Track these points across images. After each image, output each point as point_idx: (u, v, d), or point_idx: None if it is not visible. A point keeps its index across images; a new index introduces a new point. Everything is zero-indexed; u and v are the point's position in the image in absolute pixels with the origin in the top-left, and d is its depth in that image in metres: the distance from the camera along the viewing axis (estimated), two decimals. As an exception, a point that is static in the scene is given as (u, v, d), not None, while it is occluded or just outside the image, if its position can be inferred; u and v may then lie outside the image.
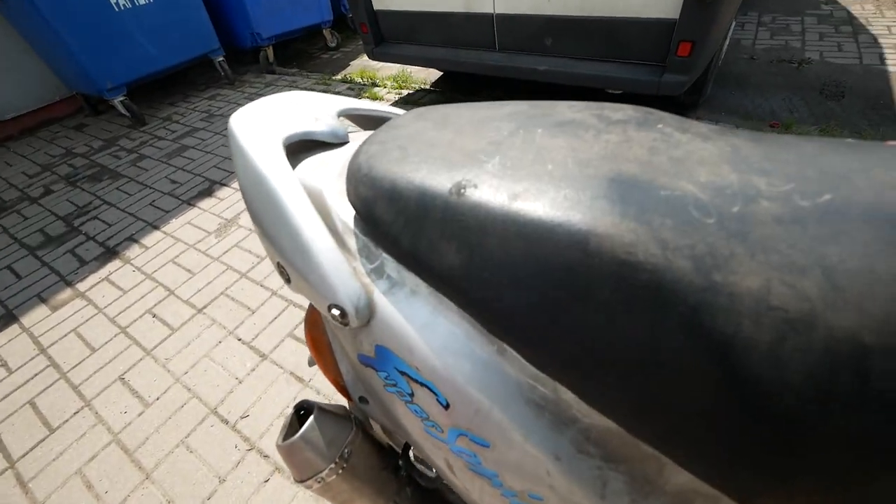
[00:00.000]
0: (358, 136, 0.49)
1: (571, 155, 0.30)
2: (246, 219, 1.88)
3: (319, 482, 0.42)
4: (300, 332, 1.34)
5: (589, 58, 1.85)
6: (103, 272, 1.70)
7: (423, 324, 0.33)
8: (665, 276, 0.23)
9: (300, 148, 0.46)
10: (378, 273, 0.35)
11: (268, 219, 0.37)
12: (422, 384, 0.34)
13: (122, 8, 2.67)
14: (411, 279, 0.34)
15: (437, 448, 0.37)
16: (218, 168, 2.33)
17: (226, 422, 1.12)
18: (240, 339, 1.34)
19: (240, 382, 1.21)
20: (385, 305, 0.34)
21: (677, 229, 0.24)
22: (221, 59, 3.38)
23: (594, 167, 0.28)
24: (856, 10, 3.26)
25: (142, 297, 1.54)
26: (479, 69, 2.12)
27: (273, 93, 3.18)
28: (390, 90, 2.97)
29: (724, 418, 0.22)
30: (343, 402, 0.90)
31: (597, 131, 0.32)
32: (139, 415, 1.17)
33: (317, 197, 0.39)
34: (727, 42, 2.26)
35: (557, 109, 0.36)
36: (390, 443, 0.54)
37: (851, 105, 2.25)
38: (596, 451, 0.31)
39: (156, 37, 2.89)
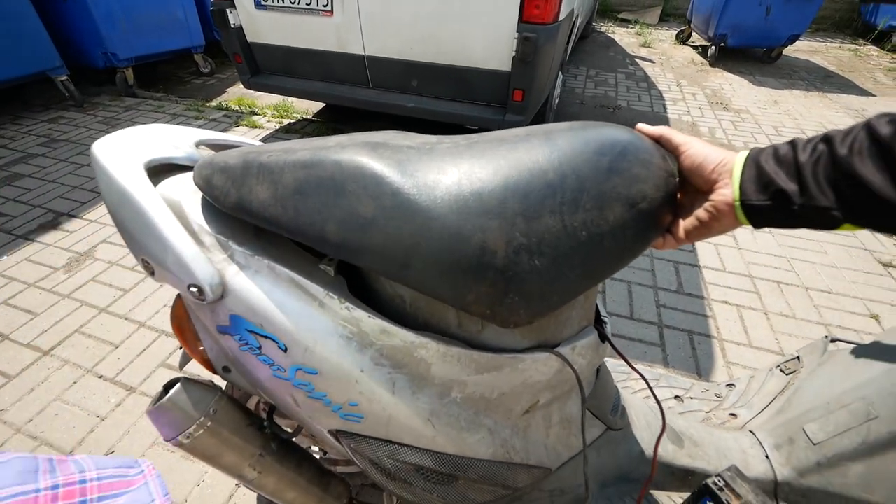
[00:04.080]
0: None
1: (346, 137, 0.48)
2: (104, 251, 1.73)
3: (188, 438, 0.51)
4: (173, 360, 1.30)
5: (448, 98, 2.17)
6: None
7: (264, 292, 0.47)
8: (379, 169, 0.41)
9: (163, 170, 0.56)
10: (229, 260, 0.48)
11: (132, 225, 0.47)
12: (266, 337, 0.48)
13: (-76, 15, 2.26)
14: (255, 262, 0.48)
15: (283, 387, 0.51)
16: (65, 198, 2.08)
17: (85, 461, 1.05)
18: (101, 377, 1.25)
19: (102, 420, 1.14)
20: (235, 283, 0.47)
21: (393, 151, 0.43)
22: (65, 78, 3.01)
23: (356, 139, 0.47)
24: (650, 71, 4.32)
25: (-38, 347, 1.33)
26: (355, 103, 2.32)
27: (134, 117, 2.96)
28: (270, 118, 2.99)
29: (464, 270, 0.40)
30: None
31: (369, 133, 0.51)
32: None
33: (176, 207, 0.50)
34: (558, 90, 2.83)
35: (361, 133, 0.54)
36: (255, 412, 0.65)
37: (646, 141, 2.98)
38: (387, 362, 0.48)
39: (-28, 50, 2.48)
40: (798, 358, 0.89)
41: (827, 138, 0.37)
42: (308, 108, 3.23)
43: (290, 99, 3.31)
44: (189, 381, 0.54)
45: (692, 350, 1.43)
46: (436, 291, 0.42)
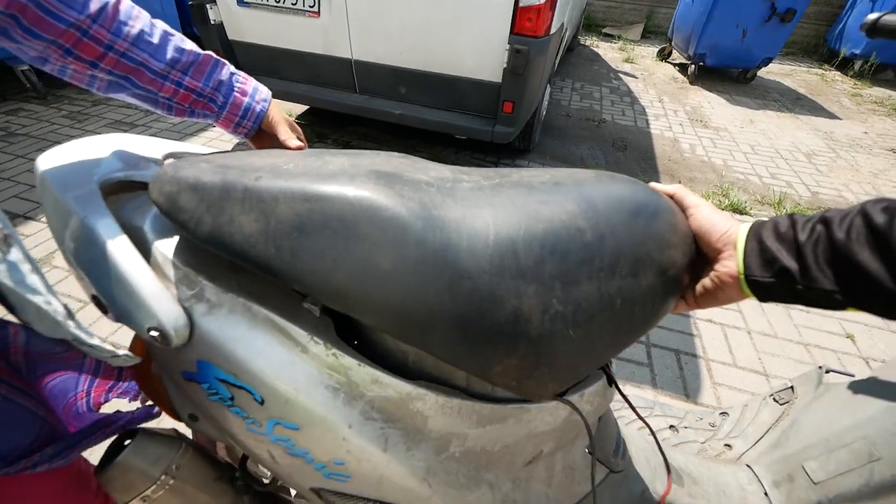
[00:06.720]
0: None
1: (348, 162, 0.41)
2: (62, 258, 1.60)
3: (145, 500, 0.45)
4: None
5: (437, 107, 2.13)
6: None
7: (238, 336, 0.41)
8: (401, 211, 0.35)
9: (123, 189, 0.49)
10: (198, 298, 0.42)
11: (82, 255, 0.41)
12: (239, 387, 0.42)
13: None
14: (228, 300, 0.42)
15: (260, 442, 0.44)
16: (21, 199, 1.93)
17: None
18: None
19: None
20: (204, 325, 0.41)
21: (412, 188, 0.38)
22: (26, 68, 2.82)
23: (362, 167, 0.40)
24: (633, 86, 4.40)
25: None
26: (341, 108, 2.25)
27: (103, 112, 2.78)
28: (251, 119, 2.88)
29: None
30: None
31: (370, 155, 0.44)
32: None
33: (137, 234, 0.44)
34: (546, 103, 2.83)
35: (357, 154, 0.48)
36: (227, 459, 0.58)
37: (631, 155, 3.02)
38: (378, 416, 0.42)
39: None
40: (792, 388, 0.88)
41: (825, 220, 0.37)
42: (291, 109, 3.13)
43: (272, 100, 3.20)
44: (147, 435, 0.47)
45: (679, 370, 1.42)
46: (457, 359, 0.37)
